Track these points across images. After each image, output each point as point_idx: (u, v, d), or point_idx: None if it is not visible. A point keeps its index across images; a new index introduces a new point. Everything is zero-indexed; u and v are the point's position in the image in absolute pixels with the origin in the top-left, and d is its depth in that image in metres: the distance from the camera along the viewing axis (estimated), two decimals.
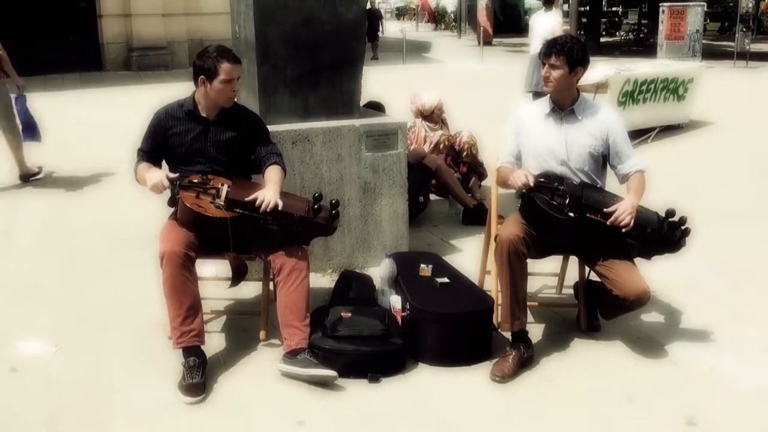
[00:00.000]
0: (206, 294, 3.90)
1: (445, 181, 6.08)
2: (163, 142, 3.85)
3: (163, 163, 3.94)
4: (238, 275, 3.75)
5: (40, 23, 15.45)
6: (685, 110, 10.48)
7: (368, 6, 20.07)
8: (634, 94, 9.52)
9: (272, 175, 3.81)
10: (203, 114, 3.83)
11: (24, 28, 15.26)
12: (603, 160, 3.92)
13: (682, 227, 3.73)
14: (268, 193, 3.61)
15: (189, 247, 3.53)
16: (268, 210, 3.55)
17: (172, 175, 3.65)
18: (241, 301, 4.35)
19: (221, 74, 3.68)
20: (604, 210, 3.62)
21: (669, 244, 3.76)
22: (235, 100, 3.91)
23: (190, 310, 3.50)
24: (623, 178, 3.90)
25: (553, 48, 3.75)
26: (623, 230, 3.59)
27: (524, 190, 3.70)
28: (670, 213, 3.73)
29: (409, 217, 5.14)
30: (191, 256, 3.54)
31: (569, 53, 3.72)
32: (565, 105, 3.87)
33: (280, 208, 3.58)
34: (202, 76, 3.72)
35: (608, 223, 3.60)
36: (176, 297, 3.48)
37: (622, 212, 3.59)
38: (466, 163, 6.37)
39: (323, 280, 4.68)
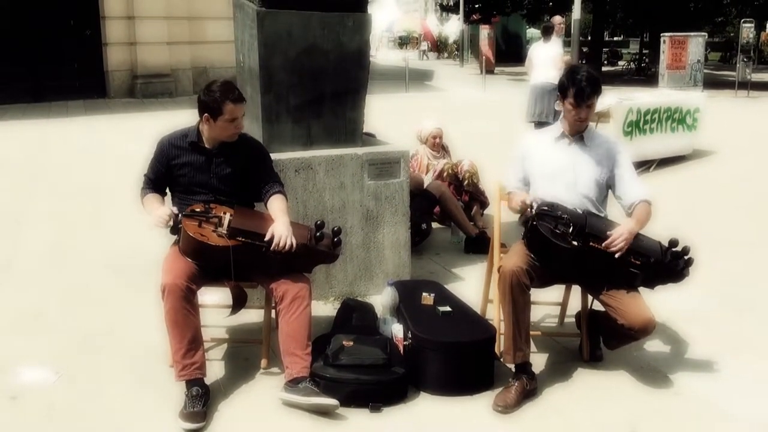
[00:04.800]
0: (207, 321, 3.89)
1: (448, 209, 6.08)
2: (166, 171, 3.87)
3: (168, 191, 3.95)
4: (238, 304, 3.75)
5: (45, 50, 15.53)
6: (692, 140, 10.51)
7: None
8: (639, 124, 9.52)
9: (279, 204, 3.81)
10: (207, 145, 3.84)
11: (29, 55, 15.35)
12: (607, 189, 3.94)
13: (686, 257, 3.72)
14: (282, 230, 3.60)
15: (191, 279, 3.53)
16: (284, 251, 3.55)
17: (176, 211, 3.66)
18: (242, 329, 4.33)
19: (225, 114, 3.69)
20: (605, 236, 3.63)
21: (672, 274, 3.75)
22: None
23: (192, 343, 3.49)
24: (629, 208, 3.89)
25: (588, 90, 3.72)
26: (616, 255, 3.59)
27: (528, 214, 3.71)
28: (673, 242, 3.73)
29: (412, 244, 5.15)
30: (192, 288, 3.54)
31: (599, 88, 3.78)
32: (576, 132, 3.90)
33: (294, 247, 3.58)
34: (206, 114, 3.74)
35: (602, 246, 3.59)
36: (178, 330, 3.47)
37: (618, 236, 3.60)
38: (468, 191, 6.37)
39: (325, 308, 4.67)
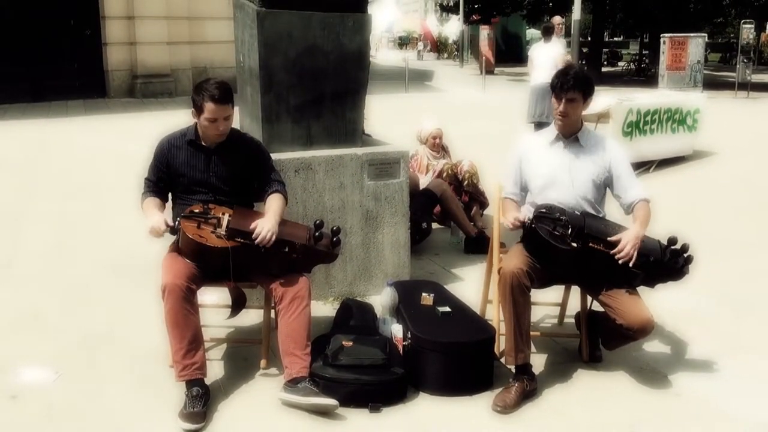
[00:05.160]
0: (207, 321, 3.89)
1: (449, 208, 6.08)
2: (166, 171, 3.87)
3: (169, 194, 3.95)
4: (238, 305, 3.75)
5: (45, 50, 15.55)
6: (692, 141, 10.51)
7: None
8: (639, 124, 9.52)
9: (272, 203, 3.82)
10: (204, 144, 3.85)
11: (29, 55, 15.36)
12: (604, 189, 3.94)
13: (685, 254, 3.73)
14: (266, 224, 3.61)
15: (190, 279, 3.53)
16: (267, 246, 3.56)
17: (171, 223, 3.65)
18: (242, 329, 4.33)
19: (205, 112, 3.70)
20: (608, 239, 3.62)
21: (672, 272, 3.75)
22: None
23: (192, 343, 3.49)
24: (628, 208, 3.90)
25: (570, 82, 3.73)
26: (630, 264, 3.59)
27: (525, 224, 3.71)
28: (672, 241, 3.73)
29: (412, 242, 5.15)
30: (192, 288, 3.54)
31: (584, 86, 3.76)
32: (570, 133, 3.89)
33: (273, 240, 3.58)
34: (193, 109, 3.76)
35: (611, 253, 3.59)
36: (178, 330, 3.47)
37: (626, 244, 3.59)
38: (467, 192, 6.38)
39: (324, 309, 4.67)
